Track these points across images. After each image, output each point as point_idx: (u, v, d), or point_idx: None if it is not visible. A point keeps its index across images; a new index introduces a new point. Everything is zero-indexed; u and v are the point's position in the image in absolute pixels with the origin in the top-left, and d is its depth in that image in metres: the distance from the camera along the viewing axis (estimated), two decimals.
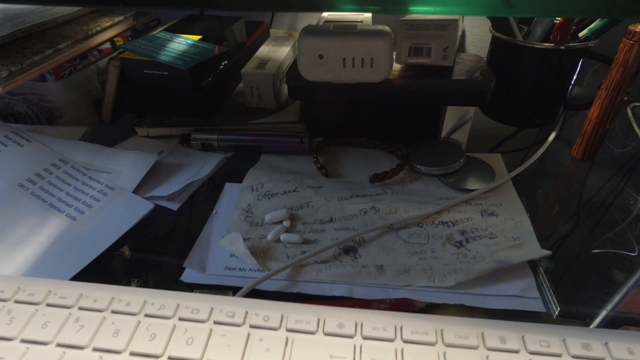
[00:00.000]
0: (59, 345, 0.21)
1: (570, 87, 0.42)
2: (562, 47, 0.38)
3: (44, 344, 0.22)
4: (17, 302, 0.24)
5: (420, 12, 0.20)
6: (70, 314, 0.23)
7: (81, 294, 0.24)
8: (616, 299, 0.27)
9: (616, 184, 0.37)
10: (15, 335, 0.22)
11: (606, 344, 0.20)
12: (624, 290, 0.28)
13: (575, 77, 0.41)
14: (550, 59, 0.39)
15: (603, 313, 0.26)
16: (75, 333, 0.22)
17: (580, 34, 0.40)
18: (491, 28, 0.43)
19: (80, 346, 0.21)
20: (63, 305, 0.23)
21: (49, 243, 0.31)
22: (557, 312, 0.26)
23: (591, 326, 0.25)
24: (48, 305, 0.23)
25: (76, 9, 0.48)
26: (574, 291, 0.28)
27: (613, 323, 0.26)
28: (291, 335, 0.21)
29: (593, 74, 0.55)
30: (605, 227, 0.32)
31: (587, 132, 0.38)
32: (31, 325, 0.22)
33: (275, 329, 0.22)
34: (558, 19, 0.39)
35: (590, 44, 0.39)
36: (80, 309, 0.23)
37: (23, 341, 0.22)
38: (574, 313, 0.26)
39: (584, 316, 0.26)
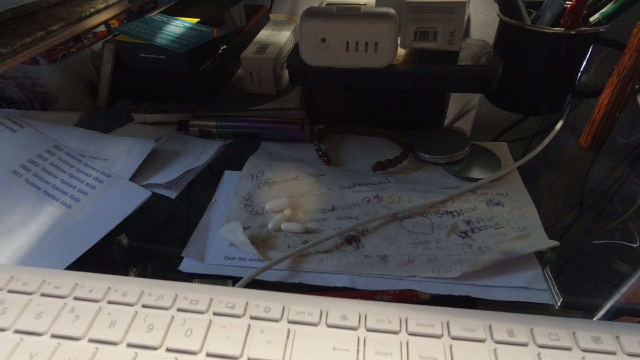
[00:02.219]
0: (53, 336, 0.21)
1: (579, 74, 0.41)
2: (573, 32, 0.37)
3: (38, 334, 0.21)
4: (10, 291, 0.23)
5: None
6: (65, 304, 0.22)
7: (76, 284, 0.23)
8: (622, 290, 0.26)
9: (625, 173, 0.36)
10: (8, 325, 0.21)
11: (617, 337, 0.20)
12: (630, 281, 0.27)
13: (584, 63, 0.40)
14: (560, 44, 0.38)
15: (607, 304, 0.26)
16: (71, 324, 0.21)
17: (592, 19, 0.39)
18: (499, 12, 0.42)
19: (76, 337, 0.21)
20: (58, 295, 0.23)
21: (44, 231, 0.31)
22: (559, 303, 0.26)
23: (595, 318, 0.25)
24: (42, 295, 0.23)
25: None
26: (576, 282, 0.27)
27: (616, 314, 0.25)
28: (293, 327, 0.21)
29: (600, 62, 0.54)
30: (612, 217, 0.32)
31: (596, 120, 0.37)
32: (25, 315, 0.22)
33: (276, 321, 0.21)
34: (569, 2, 0.37)
35: (601, 29, 0.38)
36: (76, 299, 0.22)
37: (17, 332, 0.21)
38: (577, 304, 0.26)
39: (588, 307, 0.26)
